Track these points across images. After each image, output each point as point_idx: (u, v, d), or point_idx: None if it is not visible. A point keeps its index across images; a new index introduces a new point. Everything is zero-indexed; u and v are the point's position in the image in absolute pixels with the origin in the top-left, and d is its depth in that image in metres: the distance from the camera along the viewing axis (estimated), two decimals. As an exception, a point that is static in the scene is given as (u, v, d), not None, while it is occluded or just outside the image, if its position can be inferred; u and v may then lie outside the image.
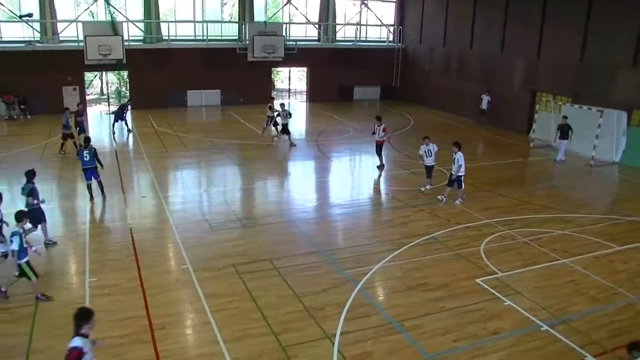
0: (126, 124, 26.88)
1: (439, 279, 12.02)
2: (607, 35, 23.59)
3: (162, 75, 32.16)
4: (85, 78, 33.47)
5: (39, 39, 30.37)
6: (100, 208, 16.24)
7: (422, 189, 18.03)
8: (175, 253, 13.11)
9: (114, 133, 26.54)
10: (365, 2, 38.33)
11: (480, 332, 10.00)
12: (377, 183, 19.94)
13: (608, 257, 13.44)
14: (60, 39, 30.98)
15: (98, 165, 16.59)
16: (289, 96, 39.76)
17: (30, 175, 13.33)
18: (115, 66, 31.52)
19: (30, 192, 12.94)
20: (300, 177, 20.97)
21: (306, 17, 37.65)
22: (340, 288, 11.46)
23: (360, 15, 38.82)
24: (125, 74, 34.17)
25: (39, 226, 13.24)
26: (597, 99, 23.36)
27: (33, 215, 12.73)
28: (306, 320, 10.19)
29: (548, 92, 27.01)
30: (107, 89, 37.40)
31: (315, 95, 36.98)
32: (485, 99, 29.60)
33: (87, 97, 33.39)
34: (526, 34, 27.79)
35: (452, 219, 15.75)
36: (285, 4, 36.70)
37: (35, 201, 12.96)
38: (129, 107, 28.51)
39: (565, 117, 23.02)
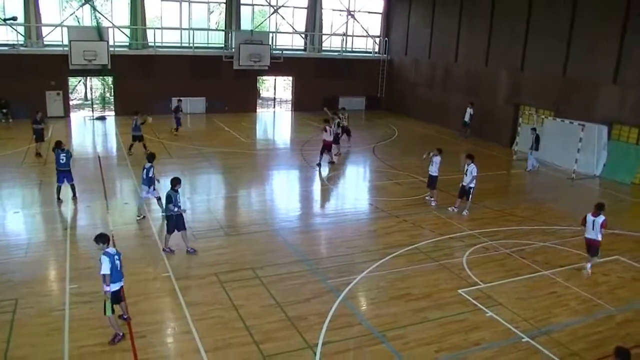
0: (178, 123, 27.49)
1: (422, 290, 12.05)
2: (589, 52, 23.96)
3: (148, 81, 31.99)
4: (70, 83, 33.20)
5: (23, 42, 30.09)
6: (81, 214, 16.05)
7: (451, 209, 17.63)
8: (157, 261, 12.99)
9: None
10: (352, 13, 38.56)
11: (462, 343, 10.03)
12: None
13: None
14: (45, 43, 30.73)
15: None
16: (274, 105, 39.77)
17: (175, 182, 13.23)
18: (100, 72, 31.33)
19: (169, 198, 12.94)
20: (285, 186, 20.94)
21: (292, 27, 37.77)
22: (323, 298, 11.44)
23: (347, 25, 39.04)
24: (110, 79, 33.95)
25: (181, 233, 13.32)
26: (579, 113, 23.69)
27: (170, 222, 13.16)
28: (288, 330, 10.15)
29: (531, 105, 27.32)
30: (91, 94, 37.11)
31: (301, 104, 37.02)
32: (469, 111, 29.87)
33: (71, 103, 33.04)
34: (510, 48, 28.13)
35: (436, 229, 15.83)
36: (272, 13, 36.79)
37: (176, 208, 12.98)
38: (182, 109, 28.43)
39: (534, 129, 23.86)
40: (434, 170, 18.05)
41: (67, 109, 31.14)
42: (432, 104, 34.45)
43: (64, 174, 16.67)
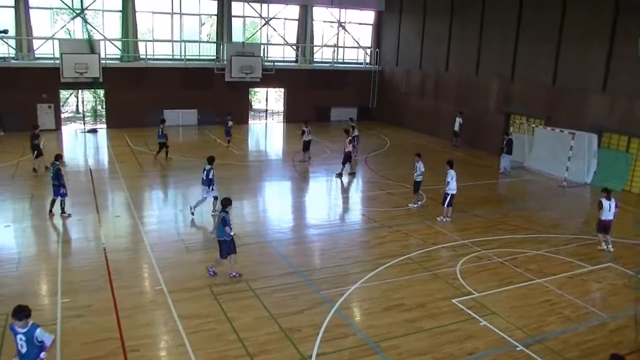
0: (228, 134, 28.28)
1: (416, 300, 12.05)
2: (579, 60, 24.20)
3: (139, 94, 31.98)
4: (61, 96, 33.12)
5: (14, 55, 30.04)
6: (73, 227, 15.97)
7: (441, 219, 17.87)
8: (150, 274, 12.94)
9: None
10: (343, 24, 38.77)
11: (456, 352, 10.03)
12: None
13: (581, 277, 13.65)
14: (36, 56, 30.70)
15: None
16: (266, 117, 39.84)
17: (227, 203, 12.71)
18: (91, 84, 31.26)
19: (224, 221, 12.40)
20: (277, 197, 20.94)
21: (284, 39, 37.92)
22: (317, 309, 11.42)
23: (338, 37, 39.23)
24: (101, 92, 33.92)
25: (229, 257, 12.75)
26: (569, 121, 23.90)
27: (224, 246, 12.57)
28: (282, 342, 10.11)
29: (522, 114, 27.52)
30: (83, 107, 37.02)
31: (292, 115, 37.07)
32: (458, 120, 30.04)
33: (62, 115, 32.95)
34: (500, 57, 28.37)
35: (428, 239, 15.85)
36: (264, 25, 36.93)
37: (232, 232, 12.52)
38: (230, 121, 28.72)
39: (507, 133, 25.30)
40: (416, 176, 18.83)
41: (58, 121, 31.04)
42: (423, 114, 34.64)
43: (54, 187, 16.56)
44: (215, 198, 16.93)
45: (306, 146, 25.46)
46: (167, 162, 24.11)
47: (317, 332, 10.43)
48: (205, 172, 16.88)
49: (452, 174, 17.44)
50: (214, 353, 9.65)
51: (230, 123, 28.31)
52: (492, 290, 12.67)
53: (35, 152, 21.89)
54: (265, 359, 9.54)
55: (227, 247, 12.61)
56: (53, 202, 16.73)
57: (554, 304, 12.17)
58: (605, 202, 15.27)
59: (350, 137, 23.06)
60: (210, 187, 16.96)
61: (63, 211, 16.68)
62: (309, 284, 12.64)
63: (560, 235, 16.67)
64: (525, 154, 26.04)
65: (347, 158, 22.76)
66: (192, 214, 17.04)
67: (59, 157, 17.19)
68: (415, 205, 18.98)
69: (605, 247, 15.43)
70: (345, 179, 22.67)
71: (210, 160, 17.16)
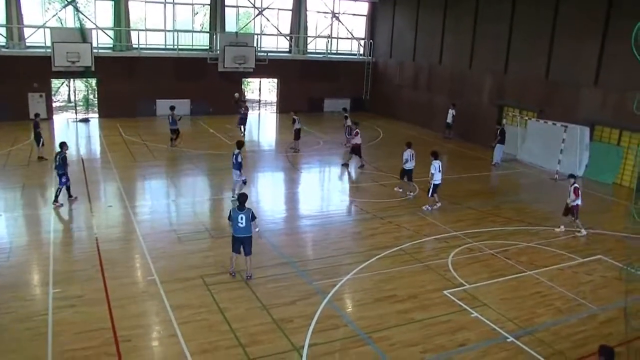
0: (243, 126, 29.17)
1: (407, 291, 12.10)
2: (571, 54, 24.25)
3: (132, 83, 31.82)
4: (52, 85, 32.88)
5: (4, 44, 29.76)
6: (65, 217, 15.91)
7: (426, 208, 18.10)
8: (142, 264, 12.92)
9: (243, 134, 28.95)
10: (337, 15, 38.63)
11: (447, 343, 10.09)
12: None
13: (572, 269, 13.74)
14: (27, 44, 30.41)
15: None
16: (259, 107, 39.73)
17: (241, 199, 12.12)
18: (83, 73, 31.05)
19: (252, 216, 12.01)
20: (270, 188, 20.93)
21: (277, 29, 37.75)
22: (309, 300, 11.44)
23: (332, 28, 39.11)
24: (93, 81, 33.69)
25: (247, 258, 12.24)
26: (562, 114, 23.99)
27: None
28: (274, 333, 10.13)
29: (515, 107, 27.59)
30: (75, 96, 36.79)
31: (286, 106, 36.87)
32: (451, 112, 30.08)
33: (54, 105, 32.72)
34: (494, 50, 28.38)
35: (420, 231, 15.90)
36: (257, 15, 36.75)
37: (257, 229, 12.26)
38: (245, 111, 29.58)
39: (502, 124, 25.49)
40: (407, 164, 19.14)
41: (50, 111, 30.82)
42: (416, 106, 34.64)
43: (58, 176, 16.72)
44: (244, 182, 17.94)
45: (297, 135, 25.62)
46: (159, 152, 23.99)
47: (309, 323, 10.46)
48: (234, 156, 17.60)
49: (435, 165, 17.57)
50: (206, 343, 9.66)
51: (242, 110, 29.30)
52: (484, 282, 12.74)
53: (41, 140, 21.95)
54: (257, 349, 9.56)
55: (232, 242, 12.25)
56: (59, 190, 16.77)
57: (544, 295, 12.25)
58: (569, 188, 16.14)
59: (357, 130, 23.18)
60: (241, 171, 17.75)
61: (56, 199, 16.65)
62: (301, 274, 12.66)
63: (551, 228, 16.75)
64: (517, 146, 26.12)
65: (356, 150, 22.89)
66: (232, 199, 17.62)
67: (63, 145, 17.11)
68: (403, 192, 19.54)
69: (560, 229, 16.34)
70: (351, 168, 22.98)
71: (239, 144, 17.94)
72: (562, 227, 16.42)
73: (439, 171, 17.64)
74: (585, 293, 12.45)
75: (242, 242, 12.07)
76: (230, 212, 12.14)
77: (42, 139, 21.94)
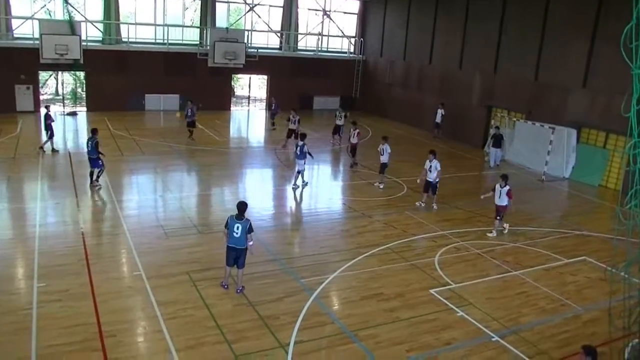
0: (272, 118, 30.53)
1: (394, 289, 12.13)
2: (560, 57, 24.43)
3: (120, 77, 31.60)
4: (40, 77, 32.57)
5: (-8, 35, 29.47)
6: (51, 211, 15.78)
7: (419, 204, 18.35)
8: (129, 259, 12.85)
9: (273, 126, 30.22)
10: (328, 12, 38.60)
11: (433, 342, 10.13)
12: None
13: (557, 270, 13.85)
14: (15, 36, 30.09)
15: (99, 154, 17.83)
16: (249, 104, 39.63)
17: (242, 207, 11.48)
18: (71, 66, 30.80)
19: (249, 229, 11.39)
20: (258, 185, 20.89)
21: (268, 25, 37.65)
22: (296, 297, 11.44)
23: (322, 25, 39.08)
24: (81, 74, 33.41)
25: (239, 271, 11.59)
26: (549, 116, 24.15)
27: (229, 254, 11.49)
28: (261, 329, 10.12)
29: (503, 108, 27.74)
30: (63, 89, 36.47)
31: (269, 103, 36.94)
32: (440, 112, 30.19)
33: (41, 97, 32.41)
34: (484, 51, 28.50)
35: (408, 229, 15.95)
36: (248, 11, 36.66)
37: (252, 242, 11.57)
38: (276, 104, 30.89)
39: (497, 127, 25.06)
40: (384, 158, 19.93)
41: (37, 103, 30.51)
42: (406, 105, 34.72)
43: (91, 160, 17.79)
44: (300, 172, 19.30)
45: (289, 134, 25.59)
46: (147, 147, 23.87)
47: (296, 320, 10.46)
48: (299, 147, 19.03)
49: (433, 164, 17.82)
50: (192, 339, 9.63)
51: (273, 106, 30.79)
52: (470, 281, 12.81)
53: (50, 131, 22.13)
54: (243, 346, 9.55)
55: (226, 253, 11.57)
56: (92, 173, 17.87)
57: (529, 295, 12.34)
58: (497, 188, 15.94)
59: (358, 130, 23.46)
60: (304, 162, 19.10)
61: (97, 180, 17.91)
62: (288, 272, 12.66)
63: (537, 229, 16.88)
64: (506, 147, 26.27)
65: (353, 149, 23.24)
66: (296, 186, 19.43)
67: (95, 131, 18.22)
68: (381, 185, 20.10)
69: (493, 233, 15.97)
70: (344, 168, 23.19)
71: (303, 136, 19.65)
72: (494, 232, 16.04)
73: (430, 170, 17.86)
74: (570, 293, 12.56)
75: (236, 254, 11.31)
76: (227, 219, 11.32)
77: (49, 132, 22.19)
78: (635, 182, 7.92)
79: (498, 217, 16.01)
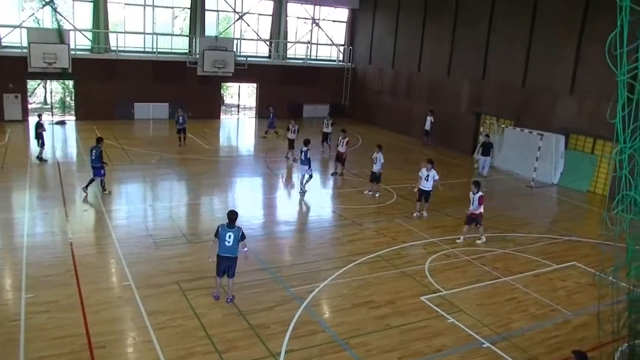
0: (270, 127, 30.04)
1: (385, 297, 12.13)
2: (547, 63, 24.65)
3: (109, 86, 31.51)
4: (28, 86, 32.39)
5: (-21, 44, 29.29)
6: (39, 221, 15.65)
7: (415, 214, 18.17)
8: (118, 269, 12.76)
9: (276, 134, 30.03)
10: (316, 21, 38.74)
11: (424, 349, 10.13)
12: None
13: (547, 275, 13.92)
14: (3, 44, 29.91)
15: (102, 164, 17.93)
16: (238, 112, 39.60)
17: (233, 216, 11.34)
18: (60, 75, 30.65)
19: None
20: (248, 193, 20.85)
21: (257, 34, 37.72)
22: (286, 306, 11.41)
23: (311, 33, 39.19)
24: (70, 83, 33.27)
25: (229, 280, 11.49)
26: (538, 122, 24.33)
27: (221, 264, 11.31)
28: (251, 339, 10.08)
29: (492, 115, 27.91)
30: (51, 98, 36.30)
31: (265, 111, 36.89)
32: (429, 119, 30.34)
33: (30, 106, 32.16)
34: (472, 58, 28.70)
35: (398, 237, 15.96)
36: (237, 20, 36.69)
37: (246, 249, 11.53)
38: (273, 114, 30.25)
39: (487, 135, 24.79)
40: (377, 167, 19.75)
41: (25, 112, 30.35)
42: (395, 113, 34.85)
43: (94, 169, 17.90)
44: (310, 177, 19.76)
45: (291, 144, 25.04)
46: (136, 156, 23.78)
47: (286, 329, 10.42)
48: (303, 153, 19.56)
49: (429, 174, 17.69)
50: (182, 349, 9.56)
51: (271, 115, 30.08)
52: (460, 287, 12.84)
53: (41, 140, 22.13)
54: (234, 355, 9.50)
55: (217, 263, 11.38)
56: (91, 181, 17.87)
57: (520, 301, 12.38)
58: (471, 195, 15.86)
59: (347, 139, 22.97)
60: (309, 167, 19.54)
61: (104, 188, 18.13)
62: (278, 280, 12.62)
63: (526, 235, 16.96)
64: (495, 154, 26.40)
65: (339, 158, 22.75)
66: (304, 192, 19.75)
67: (100, 140, 18.36)
68: (370, 193, 20.07)
69: (461, 239, 15.86)
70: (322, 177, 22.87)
71: (306, 142, 20.10)
72: (461, 238, 15.89)
73: (427, 179, 17.64)
74: (560, 299, 12.62)
75: (227, 264, 11.17)
76: (218, 228, 11.19)
77: (42, 140, 22.16)
78: (622, 188, 8.00)
79: (478, 225, 15.90)
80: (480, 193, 15.71)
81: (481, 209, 15.75)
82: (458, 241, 15.79)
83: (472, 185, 16.08)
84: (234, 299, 11.52)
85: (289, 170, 23.86)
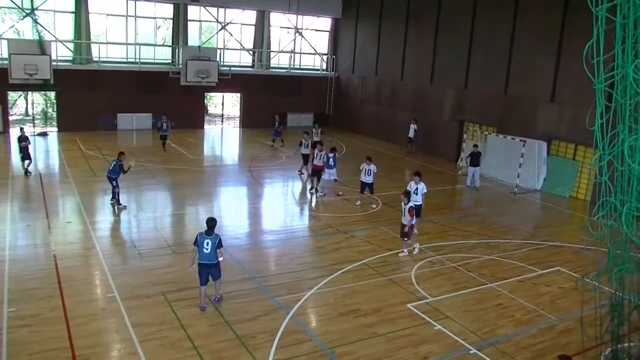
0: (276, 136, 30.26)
1: (371, 305, 12.14)
2: (528, 71, 24.98)
3: (92, 97, 31.28)
4: (9, 97, 32.07)
5: (-42, 55, 28.97)
6: (21, 234, 15.46)
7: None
8: (102, 281, 12.65)
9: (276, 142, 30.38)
10: (300, 30, 38.87)
11: (411, 357, 10.14)
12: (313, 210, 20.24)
13: (532, 281, 14.01)
14: (-18, 56, 29.68)
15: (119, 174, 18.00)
16: (222, 122, 39.55)
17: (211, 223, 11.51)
18: (42, 86, 30.41)
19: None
20: (232, 203, 20.78)
21: (240, 43, 37.76)
22: (272, 315, 11.37)
23: (295, 43, 39.32)
24: (52, 94, 33.01)
25: (215, 282, 11.61)
26: (520, 129, 24.58)
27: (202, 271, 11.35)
28: (238, 349, 10.03)
29: (475, 122, 28.16)
30: (33, 109, 35.96)
31: (249, 121, 36.96)
32: (412, 127, 30.53)
33: (10, 118, 31.84)
34: (454, 66, 28.97)
35: (384, 245, 16.00)
36: (220, 30, 36.71)
37: (222, 258, 11.41)
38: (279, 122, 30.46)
39: (475, 145, 24.55)
40: (369, 178, 19.54)
41: (6, 124, 30.05)
42: (379, 121, 35.01)
43: (109, 180, 18.01)
44: (335, 180, 21.31)
45: (305, 159, 23.68)
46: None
47: (273, 339, 10.38)
48: (331, 158, 20.89)
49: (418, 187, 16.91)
50: (168, 361, 9.50)
51: (276, 124, 30.19)
52: (446, 294, 12.88)
53: (22, 154, 21.74)
54: (220, 366, 9.45)
55: (199, 272, 11.44)
56: (114, 192, 18.05)
57: (505, 307, 12.46)
58: (402, 206, 15.06)
59: (325, 151, 21.23)
60: (333, 170, 21.02)
61: (119, 201, 18.16)
62: (264, 290, 12.58)
63: (511, 240, 17.09)
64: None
65: (317, 171, 21.21)
66: (318, 194, 20.88)
67: (122, 154, 18.28)
68: (359, 203, 20.06)
69: (405, 251, 15.27)
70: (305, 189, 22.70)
71: (333, 149, 21.45)
72: (405, 251, 15.29)
73: (415, 193, 16.65)
74: (545, 304, 12.71)
75: (208, 271, 11.26)
76: (197, 236, 11.30)
77: (28, 153, 21.88)
78: (603, 193, 8.11)
79: (405, 238, 15.18)
80: (410, 204, 14.98)
81: (413, 221, 15.07)
82: (401, 255, 15.14)
83: (402, 196, 15.18)
84: (221, 299, 11.60)
85: (259, 173, 23.84)
